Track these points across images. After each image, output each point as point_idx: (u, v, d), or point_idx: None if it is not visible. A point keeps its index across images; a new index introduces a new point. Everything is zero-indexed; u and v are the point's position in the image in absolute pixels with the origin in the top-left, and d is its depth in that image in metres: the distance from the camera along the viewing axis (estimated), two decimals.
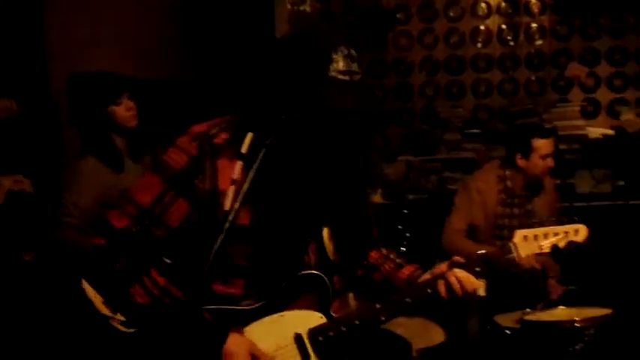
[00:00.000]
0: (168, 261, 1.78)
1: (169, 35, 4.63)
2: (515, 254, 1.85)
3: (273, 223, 1.73)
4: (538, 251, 1.85)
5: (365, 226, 1.94)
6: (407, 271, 1.96)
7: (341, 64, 1.66)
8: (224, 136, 1.74)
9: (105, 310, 2.51)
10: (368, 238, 1.98)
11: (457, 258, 1.84)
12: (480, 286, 1.80)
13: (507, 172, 3.73)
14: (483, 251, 1.88)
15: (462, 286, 1.78)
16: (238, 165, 1.67)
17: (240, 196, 1.64)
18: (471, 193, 3.74)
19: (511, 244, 1.85)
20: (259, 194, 1.70)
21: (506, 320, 3.30)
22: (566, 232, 1.85)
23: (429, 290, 1.82)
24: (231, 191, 1.66)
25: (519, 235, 1.85)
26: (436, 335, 3.23)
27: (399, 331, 2.96)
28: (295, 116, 1.65)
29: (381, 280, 1.99)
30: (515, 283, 3.62)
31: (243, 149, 1.68)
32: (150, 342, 1.79)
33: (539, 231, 1.86)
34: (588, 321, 2.98)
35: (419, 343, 3.03)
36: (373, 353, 1.88)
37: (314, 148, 1.72)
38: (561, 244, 1.84)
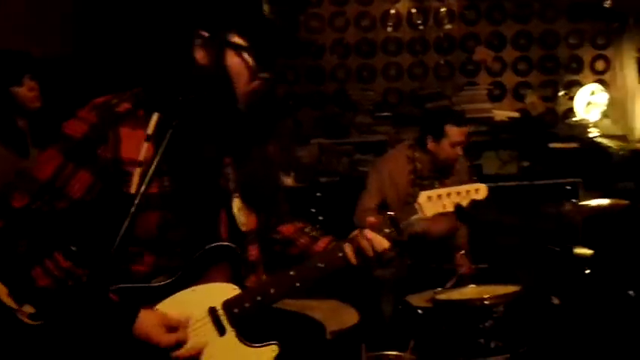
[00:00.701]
0: (73, 248, 1.71)
1: (62, 11, 4.39)
2: (420, 214, 1.89)
3: (181, 195, 1.69)
4: (442, 210, 1.91)
5: (274, 196, 1.95)
6: (322, 243, 2.00)
7: None
8: (126, 105, 1.69)
9: (10, 303, 2.39)
10: (278, 210, 2.00)
11: (369, 219, 1.88)
12: (386, 246, 1.85)
13: (417, 154, 3.76)
14: (392, 213, 1.89)
15: (373, 247, 1.82)
16: (145, 146, 1.62)
17: (147, 178, 1.58)
18: (381, 174, 3.76)
19: (416, 205, 1.89)
20: (167, 170, 1.67)
21: (419, 300, 3.33)
22: (468, 191, 1.92)
23: (339, 254, 1.84)
24: (137, 174, 1.62)
25: (423, 195, 1.90)
26: (350, 317, 3.21)
27: (313, 314, 2.93)
28: (192, 98, 1.64)
29: (298, 254, 2.02)
30: (425, 262, 3.67)
31: (149, 130, 1.63)
32: (59, 331, 1.69)
33: (443, 191, 1.92)
34: (497, 298, 3.03)
35: (332, 326, 3.01)
36: (287, 336, 1.84)
37: (215, 126, 1.72)
38: (464, 203, 1.93)
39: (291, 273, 1.82)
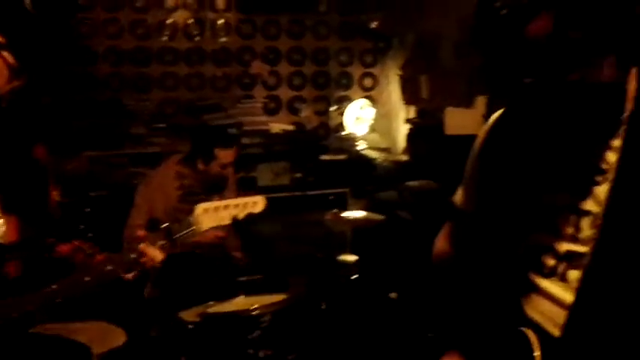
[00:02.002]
0: None
1: None
2: (196, 226, 1.85)
3: None
4: (219, 222, 1.90)
5: (41, 207, 1.90)
6: (99, 259, 1.95)
7: None
8: None
9: None
10: (48, 224, 1.95)
11: (140, 232, 1.83)
12: (161, 257, 1.81)
13: (186, 171, 3.72)
14: (166, 225, 1.85)
15: (145, 259, 1.79)
16: None
17: None
18: (150, 189, 3.67)
19: (192, 218, 1.85)
20: None
21: (190, 315, 3.29)
22: (246, 204, 1.93)
23: (108, 267, 1.79)
24: None
25: (200, 208, 1.88)
26: (117, 338, 3.10)
27: (77, 337, 2.79)
28: None
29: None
30: (199, 277, 3.64)
31: None
32: None
33: (220, 204, 1.91)
34: (264, 308, 3.08)
35: (99, 348, 2.88)
36: None
37: None
38: (240, 215, 1.93)
39: (54, 287, 1.73)
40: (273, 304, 3.13)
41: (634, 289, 1.16)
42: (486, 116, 4.59)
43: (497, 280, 1.33)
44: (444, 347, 1.44)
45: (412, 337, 3.77)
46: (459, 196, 1.56)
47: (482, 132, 1.48)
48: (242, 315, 3.06)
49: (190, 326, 3.21)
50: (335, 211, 3.86)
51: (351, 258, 4.06)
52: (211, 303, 3.31)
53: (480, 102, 4.35)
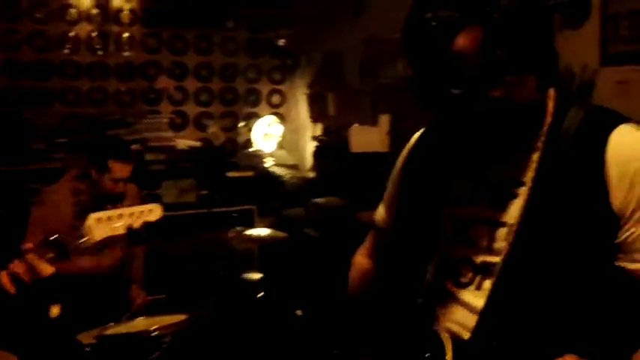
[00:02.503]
0: None
1: None
2: (88, 236, 1.78)
3: None
4: (112, 232, 1.81)
5: None
6: None
7: None
8: None
9: None
10: None
11: (28, 244, 1.71)
12: (50, 271, 1.69)
13: (81, 186, 3.60)
14: (56, 236, 1.76)
15: (32, 273, 1.67)
16: None
17: None
18: (45, 207, 3.54)
19: (84, 228, 1.77)
20: None
21: (88, 337, 3.18)
22: (142, 212, 1.86)
23: None
24: None
25: (92, 217, 1.79)
26: None
27: None
28: None
29: None
30: (96, 298, 3.54)
31: None
32: None
33: (114, 212, 1.82)
34: (165, 328, 3.01)
35: None
36: None
37: None
38: (136, 224, 1.84)
39: None
40: (173, 324, 3.07)
41: (540, 295, 1.21)
42: (391, 134, 4.67)
43: (415, 292, 1.36)
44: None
45: (318, 355, 3.79)
46: (379, 214, 1.59)
47: (405, 150, 1.51)
48: (140, 336, 2.98)
49: (87, 349, 3.10)
50: (239, 228, 3.83)
51: (257, 276, 4.04)
52: (111, 324, 3.21)
53: (384, 120, 4.44)
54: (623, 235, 1.18)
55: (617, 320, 1.23)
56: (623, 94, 2.56)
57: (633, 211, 1.17)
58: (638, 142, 1.19)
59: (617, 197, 1.16)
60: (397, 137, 4.32)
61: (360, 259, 1.67)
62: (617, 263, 1.19)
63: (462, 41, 1.11)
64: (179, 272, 4.40)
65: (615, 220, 1.17)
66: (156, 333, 2.98)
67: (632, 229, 1.17)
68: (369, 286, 1.63)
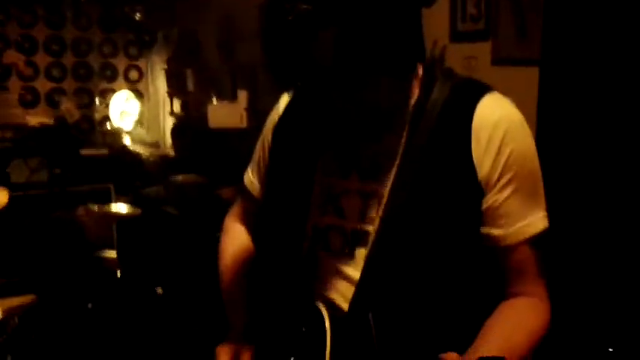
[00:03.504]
0: None
1: None
2: None
3: None
4: None
5: None
6: None
7: None
8: None
9: None
10: None
11: None
12: None
13: None
14: None
15: None
16: None
17: None
18: None
19: None
20: None
21: None
22: None
23: None
24: None
25: None
26: None
27: None
28: None
29: None
30: None
31: None
32: None
33: None
34: (10, 310, 2.91)
35: None
36: None
37: None
38: None
39: None
40: (19, 306, 2.96)
41: (413, 265, 1.23)
42: (249, 110, 4.68)
43: (287, 260, 1.35)
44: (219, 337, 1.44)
45: (179, 332, 3.78)
46: (248, 178, 1.55)
47: (274, 113, 1.46)
48: None
49: None
50: (91, 205, 3.73)
51: (113, 254, 3.96)
52: None
53: (243, 96, 4.45)
54: (489, 202, 1.20)
55: (480, 286, 1.27)
56: (470, 68, 2.70)
57: (499, 178, 1.19)
58: (502, 110, 1.22)
59: (483, 166, 1.19)
60: (255, 113, 4.35)
61: (233, 225, 1.64)
62: (482, 230, 1.22)
63: (316, 39, 1.09)
64: (30, 253, 4.23)
65: (481, 189, 1.19)
66: (1, 316, 2.87)
67: (497, 196, 1.20)
68: (245, 254, 1.61)
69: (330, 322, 1.25)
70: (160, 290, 4.21)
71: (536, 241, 1.21)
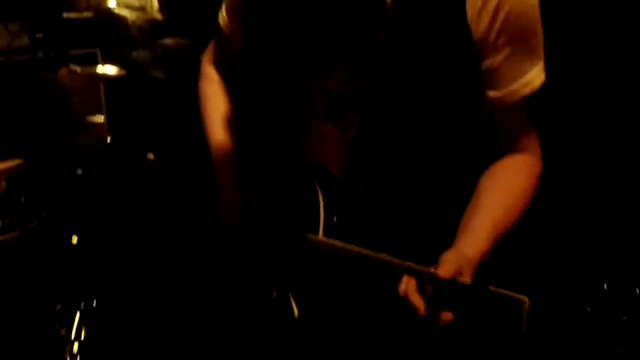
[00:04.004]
0: None
1: None
2: None
3: None
4: None
5: None
6: None
7: None
8: None
9: None
10: None
11: None
12: None
13: None
14: None
15: None
16: None
17: None
18: None
19: None
20: None
21: None
22: None
23: None
24: None
25: None
26: None
27: None
28: None
29: None
30: None
31: None
32: None
33: None
34: None
35: None
36: None
37: None
38: None
39: None
40: (6, 169, 2.96)
41: (407, 125, 1.20)
42: None
43: (275, 121, 1.33)
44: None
45: (172, 196, 3.80)
46: (222, 19, 1.51)
47: None
48: None
49: None
50: (73, 66, 3.63)
51: (101, 119, 3.92)
52: None
53: None
54: (486, 65, 1.18)
55: (474, 149, 1.26)
56: None
57: (496, 39, 1.15)
58: None
59: (479, 27, 1.14)
60: None
61: (213, 73, 1.63)
62: (481, 92, 1.20)
63: None
64: (15, 119, 4.18)
65: (477, 51, 1.16)
66: None
67: (493, 59, 1.17)
68: (225, 104, 1.59)
69: (322, 192, 1.25)
70: (151, 156, 4.20)
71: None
